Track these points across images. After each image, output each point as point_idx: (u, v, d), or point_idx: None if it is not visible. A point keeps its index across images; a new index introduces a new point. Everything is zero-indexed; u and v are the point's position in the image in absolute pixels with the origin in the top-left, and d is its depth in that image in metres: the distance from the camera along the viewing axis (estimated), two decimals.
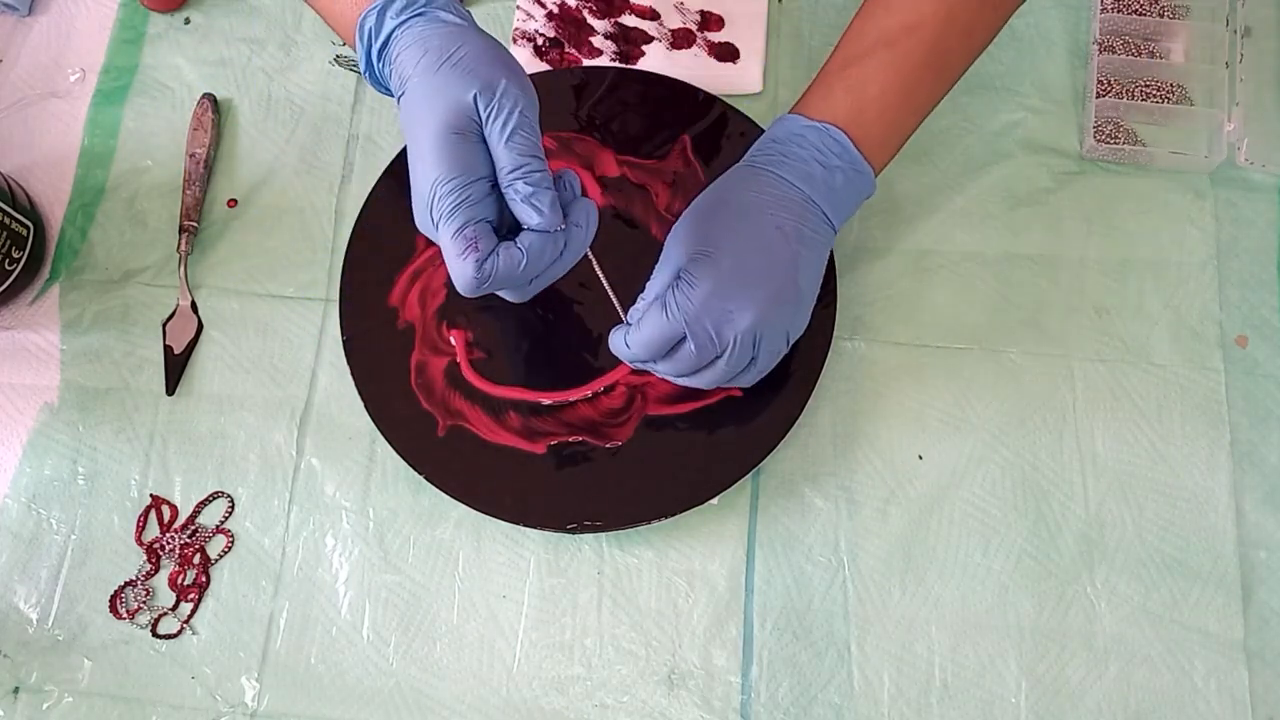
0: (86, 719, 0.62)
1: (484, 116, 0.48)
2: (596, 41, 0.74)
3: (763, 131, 0.68)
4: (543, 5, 0.75)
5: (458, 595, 0.63)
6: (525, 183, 0.47)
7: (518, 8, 0.75)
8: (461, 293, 0.49)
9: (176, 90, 0.75)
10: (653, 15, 0.75)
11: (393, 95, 0.52)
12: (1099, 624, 0.60)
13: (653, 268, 0.66)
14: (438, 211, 0.47)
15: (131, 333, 0.69)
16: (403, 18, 0.50)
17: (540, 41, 0.74)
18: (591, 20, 0.75)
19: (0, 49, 0.78)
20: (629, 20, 0.75)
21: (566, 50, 0.74)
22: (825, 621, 0.61)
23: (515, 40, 0.75)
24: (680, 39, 0.74)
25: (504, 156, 0.47)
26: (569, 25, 0.75)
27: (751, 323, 0.53)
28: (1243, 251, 0.67)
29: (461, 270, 0.47)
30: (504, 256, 0.48)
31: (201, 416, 0.67)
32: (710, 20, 0.74)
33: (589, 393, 0.63)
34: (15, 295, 0.70)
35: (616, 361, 0.64)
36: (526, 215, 0.48)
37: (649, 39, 0.74)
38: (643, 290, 0.57)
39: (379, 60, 0.52)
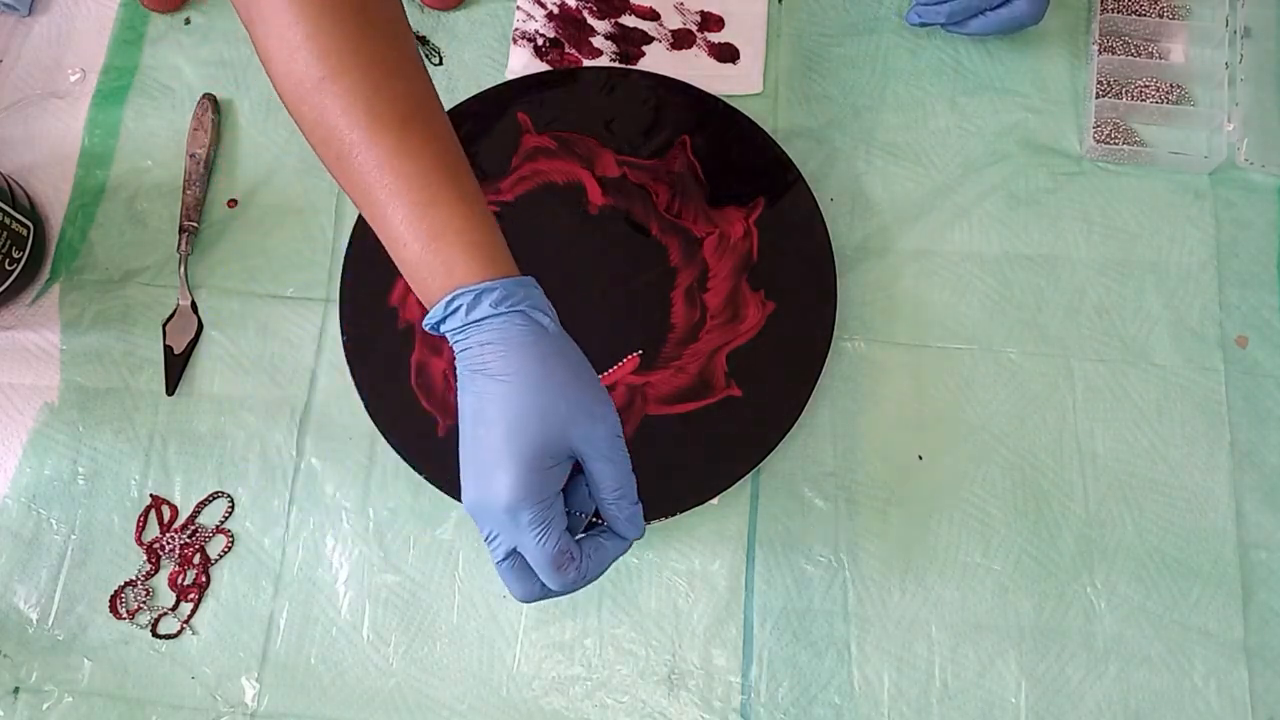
0: (86, 719, 0.62)
1: (582, 444, 0.49)
2: (596, 42, 0.74)
3: (763, 131, 0.68)
4: (543, 5, 0.75)
5: (458, 595, 0.63)
6: (628, 502, 0.50)
7: (518, 8, 0.75)
8: (550, 587, 0.49)
9: (176, 90, 0.75)
10: (653, 15, 0.75)
11: (449, 341, 0.51)
12: (1099, 624, 0.60)
13: (653, 267, 0.66)
14: (531, 528, 0.48)
15: (131, 333, 0.69)
16: (501, 309, 0.49)
17: (540, 42, 0.74)
18: (592, 21, 0.75)
19: (0, 49, 0.78)
20: (629, 21, 0.75)
21: (566, 50, 0.74)
22: (825, 621, 0.61)
23: (515, 40, 0.75)
24: (680, 39, 0.74)
25: (607, 480, 0.49)
26: (569, 25, 0.75)
27: None
28: (1243, 251, 0.67)
29: (562, 580, 0.49)
30: (595, 560, 0.50)
31: (201, 416, 0.67)
32: (710, 20, 0.74)
33: None
34: (15, 295, 0.70)
35: (615, 362, 0.64)
36: (628, 531, 0.51)
37: (649, 39, 0.74)
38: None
39: (457, 331, 0.50)
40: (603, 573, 0.51)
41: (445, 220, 0.50)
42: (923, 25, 0.71)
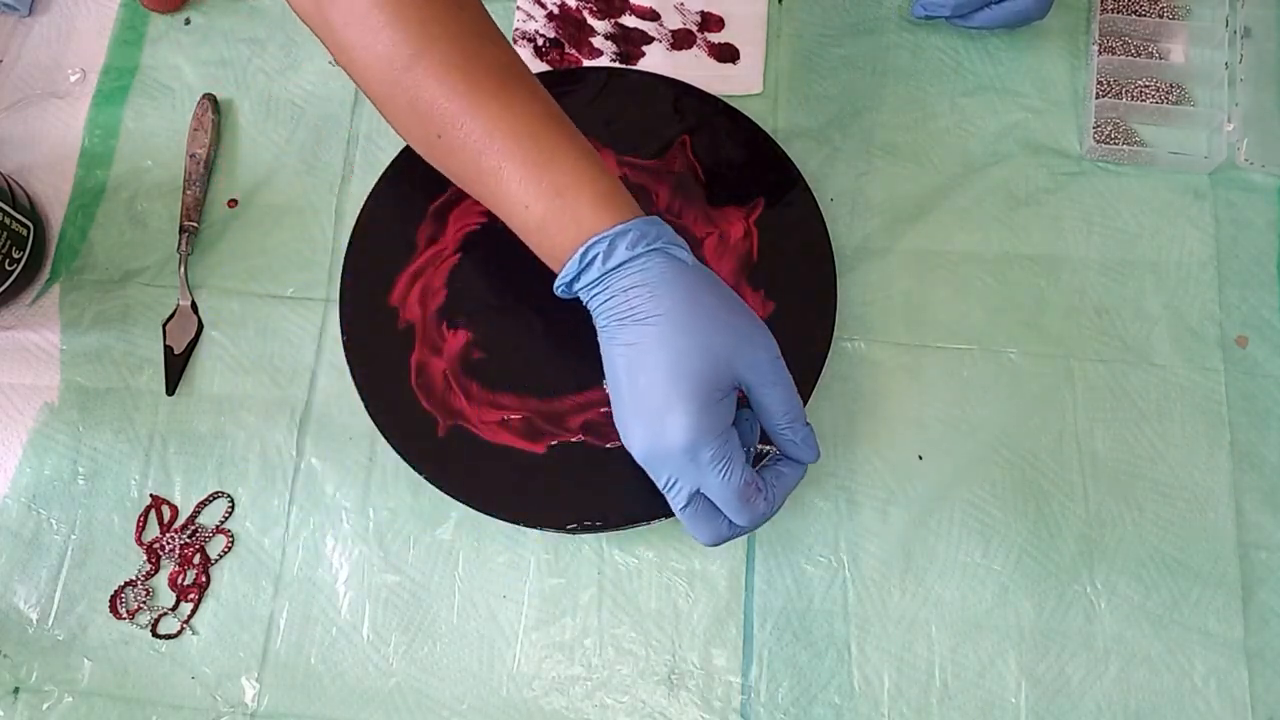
0: (86, 719, 0.62)
1: (748, 372, 0.48)
2: (596, 42, 0.74)
3: (763, 131, 0.68)
4: (543, 6, 0.75)
5: (458, 595, 0.63)
6: (801, 424, 0.50)
7: (518, 8, 0.75)
8: (738, 524, 0.49)
9: (176, 90, 0.75)
10: (653, 16, 0.75)
11: (583, 303, 0.50)
12: (1099, 624, 0.60)
13: None
14: (714, 464, 0.47)
15: (131, 333, 0.69)
16: (639, 250, 0.48)
17: (540, 42, 0.74)
18: (592, 21, 0.75)
19: (0, 49, 0.78)
20: (629, 21, 0.75)
21: (566, 51, 0.74)
22: (825, 621, 0.61)
23: (515, 40, 0.75)
24: (680, 39, 0.74)
25: (776, 406, 0.49)
26: (569, 26, 0.75)
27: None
28: (1243, 251, 0.67)
29: (751, 512, 0.48)
30: (779, 489, 0.50)
31: (201, 416, 0.67)
32: (710, 21, 0.74)
33: (601, 409, 0.63)
34: (15, 295, 0.70)
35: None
36: (804, 454, 0.51)
37: (649, 40, 0.74)
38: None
39: (596, 284, 0.49)
40: (783, 504, 0.50)
41: (566, 175, 0.49)
42: (928, 18, 0.71)
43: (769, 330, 0.49)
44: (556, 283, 0.50)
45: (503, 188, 0.49)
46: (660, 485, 0.49)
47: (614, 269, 0.48)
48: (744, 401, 0.51)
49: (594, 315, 0.50)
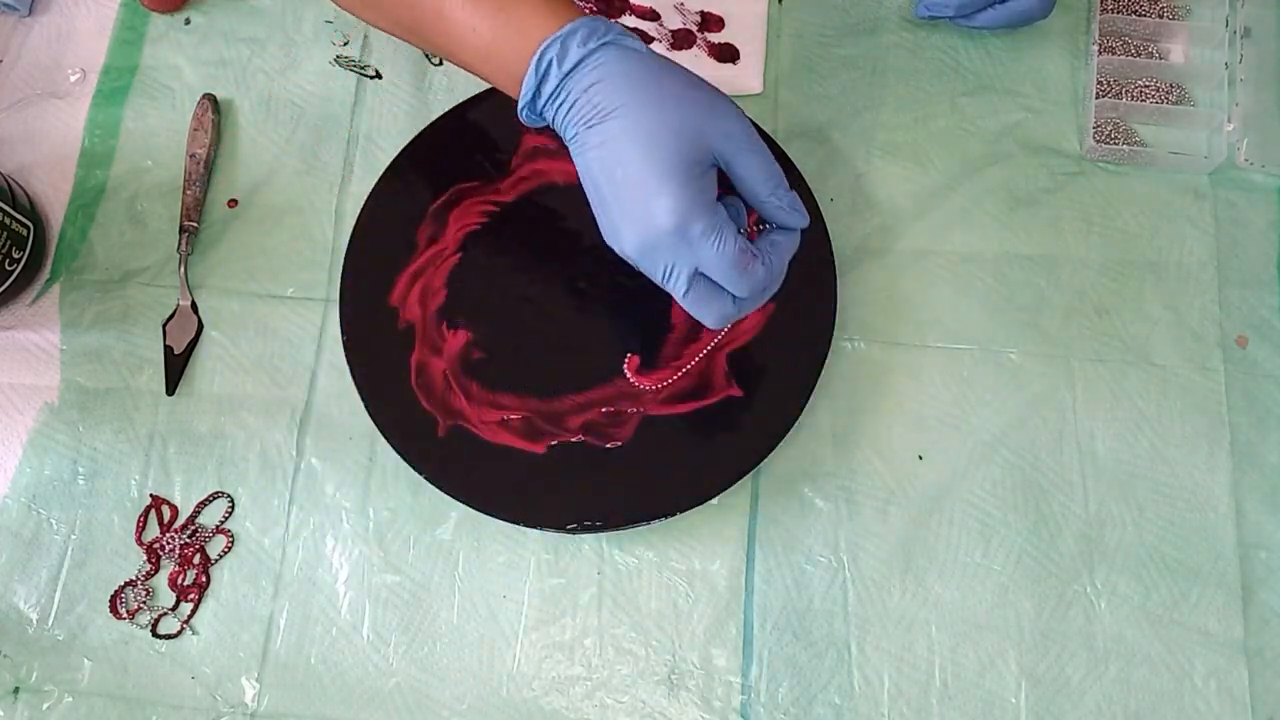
0: (86, 719, 0.62)
1: (721, 142, 0.48)
2: None
3: (763, 131, 0.68)
4: None
5: (458, 595, 0.63)
6: (784, 189, 0.50)
7: None
8: (740, 296, 0.49)
9: (176, 90, 0.75)
10: (653, 16, 0.75)
11: (552, 127, 0.50)
12: (1099, 624, 0.60)
13: None
14: (706, 237, 0.47)
15: (131, 333, 0.69)
16: (590, 46, 0.48)
17: None
18: None
19: (0, 49, 0.78)
20: (629, 21, 0.75)
21: None
22: (825, 621, 0.61)
23: None
24: (680, 40, 0.74)
25: (755, 174, 0.49)
26: None
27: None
28: (1243, 251, 0.67)
29: (750, 280, 0.48)
30: (774, 256, 0.50)
31: (201, 416, 0.67)
32: (710, 21, 0.74)
33: (601, 409, 0.63)
34: (15, 295, 0.70)
35: (615, 363, 0.64)
36: (794, 220, 0.50)
37: (649, 40, 0.74)
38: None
39: (556, 93, 0.49)
40: (784, 273, 0.50)
41: None
42: (931, 18, 0.70)
43: (736, 105, 0.49)
44: (520, 105, 0.50)
45: (448, 18, 0.49)
46: (659, 278, 0.49)
47: (571, 70, 0.48)
48: (726, 189, 0.50)
49: (562, 130, 0.49)
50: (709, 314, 0.50)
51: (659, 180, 0.46)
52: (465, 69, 0.52)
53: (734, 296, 0.50)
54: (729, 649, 0.61)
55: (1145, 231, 0.68)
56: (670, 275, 0.49)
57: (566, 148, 0.69)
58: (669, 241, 0.47)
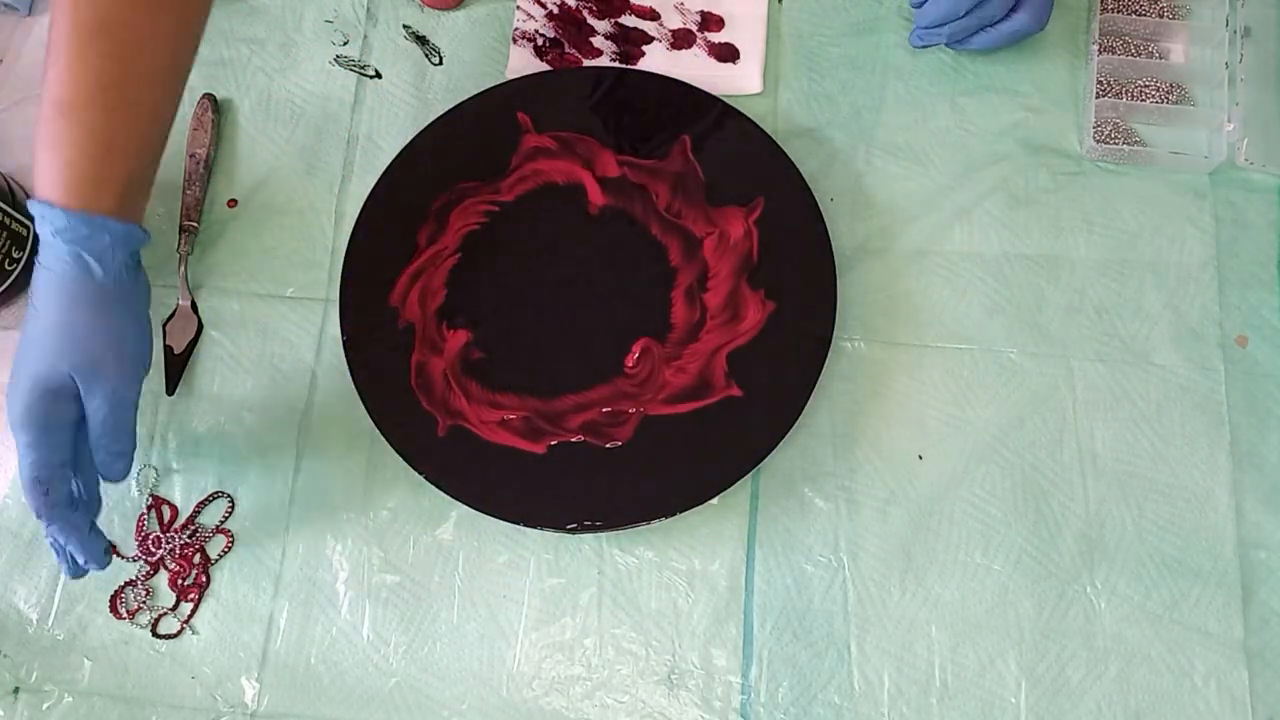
0: (86, 719, 0.62)
1: (85, 385, 0.53)
2: (596, 42, 0.74)
3: (763, 131, 0.68)
4: (543, 5, 0.75)
5: (458, 595, 0.63)
6: (111, 440, 0.55)
7: (518, 7, 0.75)
8: (31, 505, 0.55)
9: None
10: (653, 15, 0.75)
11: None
12: (1099, 624, 0.60)
13: (653, 267, 0.66)
14: (24, 447, 0.53)
15: None
16: (56, 241, 0.53)
17: (540, 41, 0.74)
18: (591, 20, 0.75)
19: (0, 49, 0.78)
20: (629, 20, 0.75)
21: (566, 50, 0.74)
22: (825, 621, 0.61)
23: (515, 40, 0.75)
24: (680, 39, 0.74)
25: (97, 420, 0.54)
26: (569, 25, 0.75)
27: None
28: (1243, 251, 0.67)
29: (32, 502, 0.54)
30: (66, 530, 0.55)
31: (201, 416, 0.67)
32: (710, 21, 0.74)
33: (601, 409, 0.63)
34: (15, 295, 0.70)
35: (615, 363, 0.64)
36: (111, 469, 0.56)
37: (649, 39, 0.74)
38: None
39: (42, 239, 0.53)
40: (78, 544, 0.55)
41: (62, 131, 0.53)
42: (925, 47, 0.71)
43: (132, 366, 0.55)
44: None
45: (39, 125, 0.53)
46: None
47: (43, 241, 0.53)
48: None
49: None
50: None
51: (22, 380, 0.52)
52: None
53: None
54: (729, 649, 0.61)
55: (1145, 231, 0.68)
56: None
57: (565, 149, 0.69)
58: (14, 429, 0.53)
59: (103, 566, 0.56)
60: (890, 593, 0.61)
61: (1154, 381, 0.65)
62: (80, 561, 0.56)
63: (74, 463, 0.54)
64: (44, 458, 0.53)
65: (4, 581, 0.65)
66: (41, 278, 0.53)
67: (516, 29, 0.75)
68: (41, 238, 0.53)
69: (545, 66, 0.74)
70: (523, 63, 0.74)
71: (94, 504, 0.56)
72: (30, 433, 0.52)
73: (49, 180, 0.53)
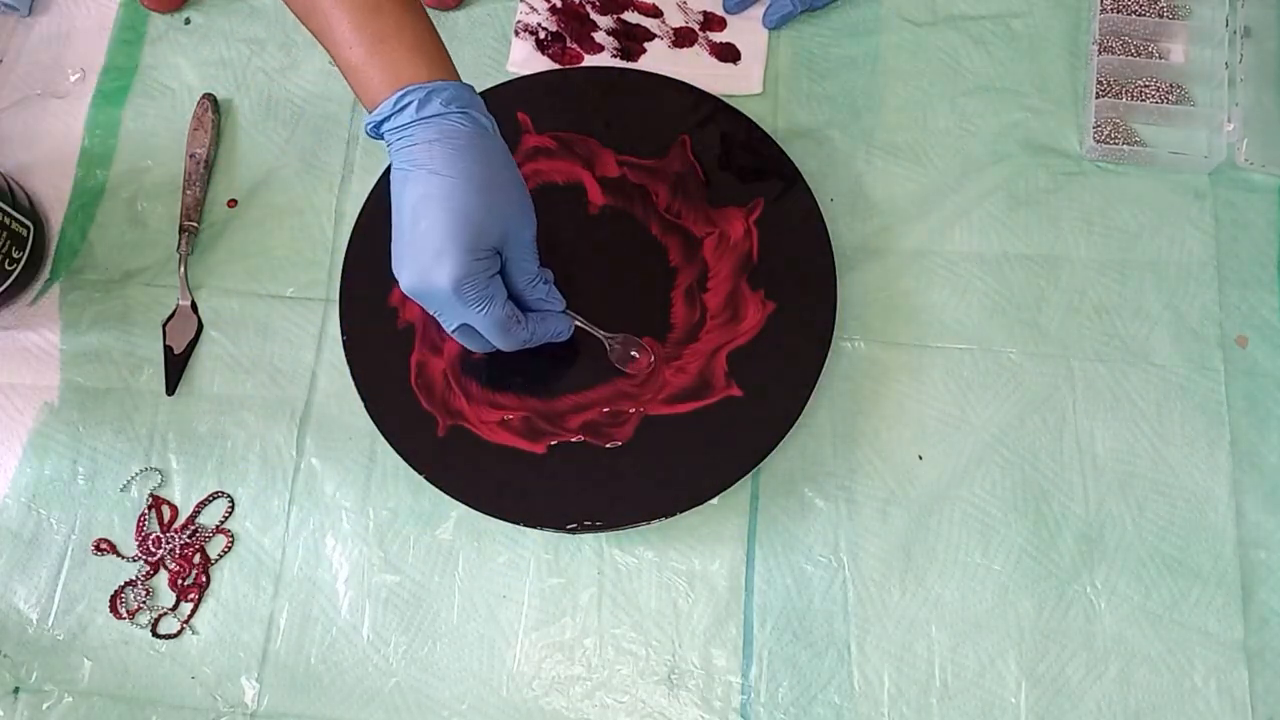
0: (86, 719, 0.62)
1: (512, 244, 0.55)
2: (599, 37, 0.74)
3: (763, 131, 0.68)
4: None
5: (458, 595, 0.63)
6: (542, 281, 0.58)
7: (521, 1, 0.75)
8: (501, 347, 0.57)
9: (176, 90, 0.75)
10: (655, 12, 0.75)
11: (385, 144, 0.55)
12: (1099, 624, 0.60)
13: (653, 267, 0.66)
14: (475, 305, 0.54)
15: (131, 333, 0.69)
16: (452, 107, 0.53)
17: (542, 35, 0.74)
18: (594, 16, 0.75)
19: (0, 49, 0.78)
20: (631, 17, 0.75)
21: (568, 45, 0.74)
22: (825, 621, 0.61)
23: (517, 33, 0.75)
24: (682, 37, 0.74)
25: (525, 272, 0.57)
26: (572, 20, 0.75)
27: None
28: (1243, 251, 0.67)
29: (512, 339, 0.56)
30: (542, 326, 0.58)
31: (201, 416, 0.67)
32: (712, 20, 0.74)
33: (601, 409, 0.63)
34: (15, 295, 0.70)
35: (615, 362, 0.64)
36: (550, 306, 0.59)
37: (651, 36, 0.74)
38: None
39: (404, 129, 0.53)
40: (550, 338, 0.59)
41: (391, 25, 0.53)
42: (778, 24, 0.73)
43: (534, 214, 0.56)
44: (367, 120, 0.54)
45: (332, 27, 0.53)
46: (430, 312, 0.56)
47: (424, 120, 0.52)
48: None
49: (392, 154, 0.54)
50: (471, 345, 0.58)
51: (453, 246, 0.52)
52: (335, 62, 0.56)
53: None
54: (729, 649, 0.61)
55: (1145, 231, 0.68)
56: (441, 316, 0.55)
57: (565, 150, 0.69)
58: (443, 298, 0.53)
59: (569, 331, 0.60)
60: (890, 593, 0.61)
61: (1154, 381, 0.65)
62: (564, 335, 0.60)
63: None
64: (500, 305, 0.54)
65: (4, 581, 0.65)
66: (442, 151, 0.52)
67: (519, 22, 0.75)
68: (425, 115, 0.52)
69: (547, 60, 0.74)
70: (524, 55, 0.74)
71: (550, 302, 0.59)
72: (477, 289, 0.53)
73: (409, 66, 0.53)
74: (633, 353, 0.63)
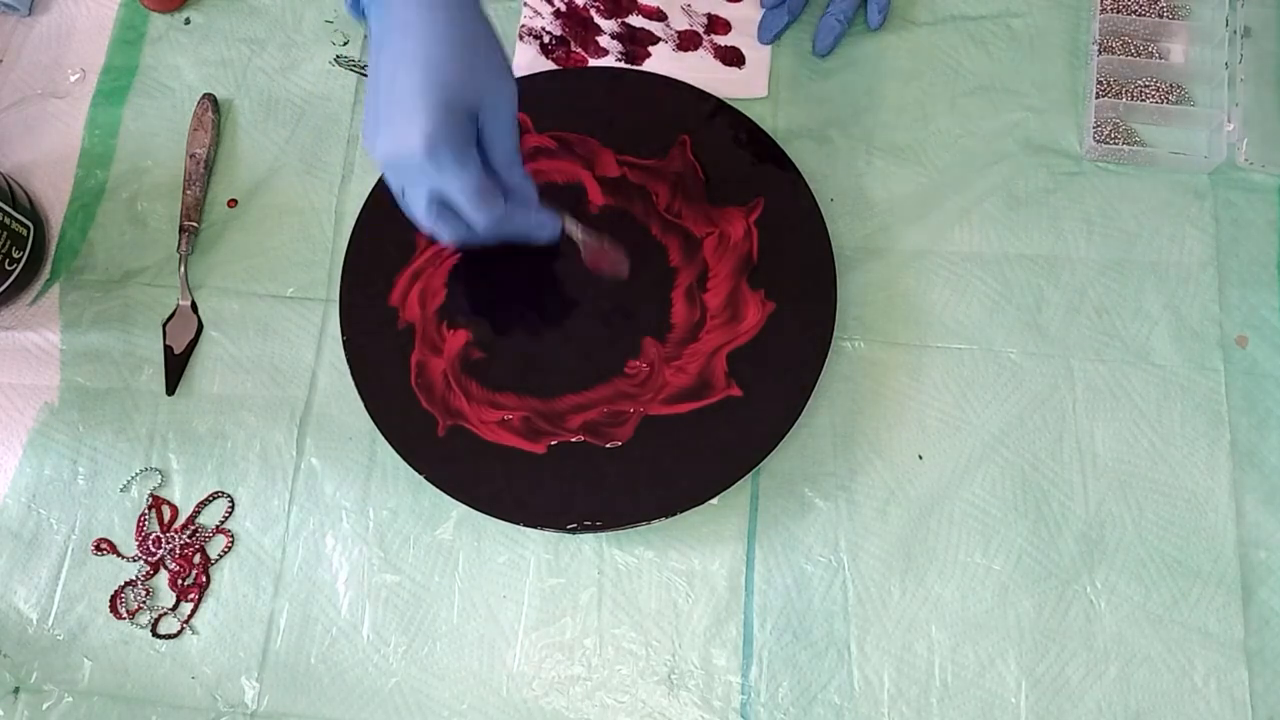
0: (86, 719, 0.62)
1: (488, 111, 0.53)
2: (603, 41, 0.74)
3: (763, 131, 0.68)
4: (550, 3, 0.75)
5: (458, 595, 0.63)
6: (519, 167, 0.56)
7: (525, 4, 0.75)
8: (477, 222, 0.54)
9: (176, 90, 0.75)
10: (659, 16, 0.75)
11: (365, 16, 0.54)
12: (1099, 624, 0.60)
13: (653, 267, 0.66)
14: (453, 166, 0.51)
15: (131, 333, 0.69)
16: None
17: (546, 39, 0.74)
18: (599, 20, 0.75)
19: (0, 49, 0.78)
20: (636, 21, 0.75)
21: (573, 49, 0.74)
22: (825, 621, 0.61)
23: (521, 37, 0.74)
24: (686, 41, 0.74)
25: (502, 143, 0.54)
26: (576, 24, 0.75)
27: None
28: (1243, 251, 0.67)
29: (490, 211, 0.53)
30: (519, 210, 0.56)
31: (201, 416, 0.67)
32: (717, 23, 0.74)
33: (601, 409, 0.63)
34: (15, 295, 0.70)
35: (614, 363, 0.64)
36: (525, 193, 0.57)
37: (655, 40, 0.74)
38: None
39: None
40: (527, 229, 0.57)
41: None
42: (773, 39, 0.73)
43: (516, 90, 0.54)
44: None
45: None
46: (398, 192, 0.54)
47: None
48: None
49: (370, 20, 0.53)
50: (445, 231, 0.54)
51: (427, 103, 0.49)
52: None
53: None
54: (729, 649, 0.61)
55: (1145, 231, 0.68)
56: (409, 193, 0.53)
57: (565, 150, 0.69)
58: (417, 161, 0.50)
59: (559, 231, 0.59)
60: (890, 593, 0.61)
61: (1154, 381, 0.65)
62: (546, 231, 0.58)
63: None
64: (475, 170, 0.52)
65: (4, 581, 0.65)
66: (418, 12, 0.50)
67: (523, 25, 0.75)
68: None
69: (551, 64, 0.74)
70: (528, 59, 0.74)
71: (526, 189, 0.57)
72: (453, 150, 0.50)
73: None
74: (606, 246, 0.61)
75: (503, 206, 0.54)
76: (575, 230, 0.60)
